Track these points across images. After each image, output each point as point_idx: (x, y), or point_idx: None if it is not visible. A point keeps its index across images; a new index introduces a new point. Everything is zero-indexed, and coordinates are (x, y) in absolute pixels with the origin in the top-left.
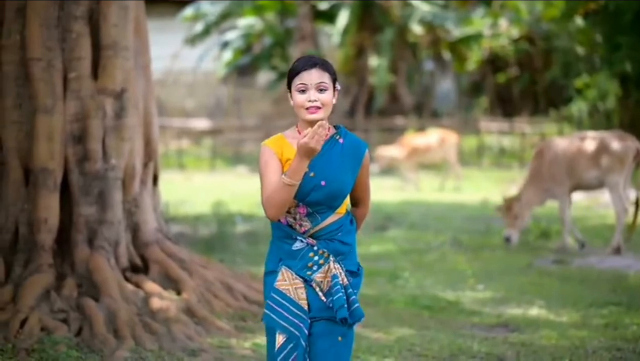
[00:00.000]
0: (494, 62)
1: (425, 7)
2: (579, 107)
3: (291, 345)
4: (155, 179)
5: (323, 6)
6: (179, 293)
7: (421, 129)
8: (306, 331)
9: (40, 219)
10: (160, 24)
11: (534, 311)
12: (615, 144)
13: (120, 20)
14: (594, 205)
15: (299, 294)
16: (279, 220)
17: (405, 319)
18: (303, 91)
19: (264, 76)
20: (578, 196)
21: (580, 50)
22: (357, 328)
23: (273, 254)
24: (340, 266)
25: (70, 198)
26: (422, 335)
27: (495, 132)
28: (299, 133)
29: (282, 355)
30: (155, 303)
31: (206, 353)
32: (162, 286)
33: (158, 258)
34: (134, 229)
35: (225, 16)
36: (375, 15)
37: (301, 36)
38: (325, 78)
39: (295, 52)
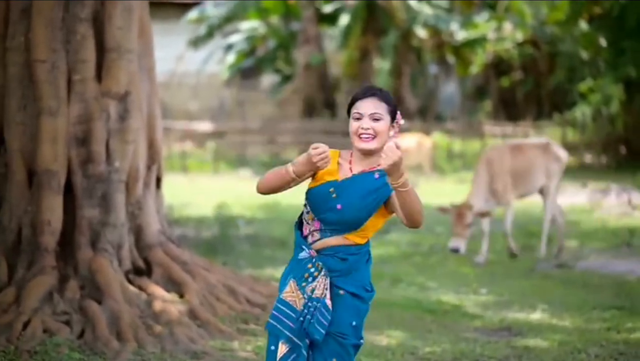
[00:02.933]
0: (498, 66)
1: (429, 11)
2: (582, 111)
3: (294, 355)
4: (158, 182)
5: (327, 9)
6: (181, 295)
7: (425, 132)
8: (308, 342)
9: (43, 221)
10: (165, 27)
11: (537, 315)
12: (561, 152)
13: (125, 23)
14: (596, 207)
15: (301, 305)
16: (301, 229)
17: (408, 322)
18: (358, 119)
19: (268, 79)
20: (579, 199)
21: (584, 54)
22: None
23: (291, 260)
24: (328, 282)
25: (73, 200)
26: (424, 338)
27: (499, 136)
28: (350, 155)
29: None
30: (158, 305)
31: (209, 356)
32: (165, 289)
33: (161, 260)
34: (137, 232)
35: (229, 19)
36: (380, 19)
37: (305, 39)
38: (381, 109)
39: (299, 55)
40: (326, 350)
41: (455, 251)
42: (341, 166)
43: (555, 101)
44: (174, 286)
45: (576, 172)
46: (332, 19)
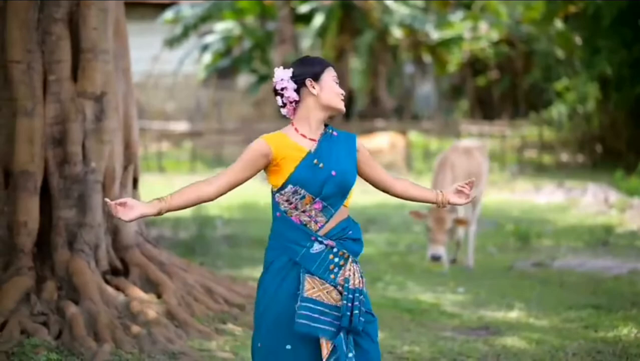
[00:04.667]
0: (474, 65)
1: (405, 10)
2: (558, 110)
3: (335, 355)
4: (135, 182)
5: (303, 9)
6: (159, 296)
7: (402, 132)
8: (345, 333)
9: (20, 222)
10: (141, 27)
11: (514, 314)
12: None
13: (100, 23)
14: (573, 206)
15: (334, 296)
16: (291, 219)
17: (386, 321)
18: (337, 84)
19: (244, 79)
20: (556, 198)
21: (560, 53)
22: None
23: (277, 251)
24: (358, 267)
25: (50, 200)
26: (402, 337)
27: (475, 135)
28: (296, 131)
29: None
30: (136, 306)
31: (186, 356)
32: (142, 289)
33: (138, 261)
34: (114, 232)
35: (204, 19)
36: (356, 18)
37: (281, 39)
38: None
39: (276, 55)
40: (372, 332)
41: (437, 259)
42: (297, 141)
43: (531, 100)
44: (152, 286)
45: (553, 171)
46: (308, 18)
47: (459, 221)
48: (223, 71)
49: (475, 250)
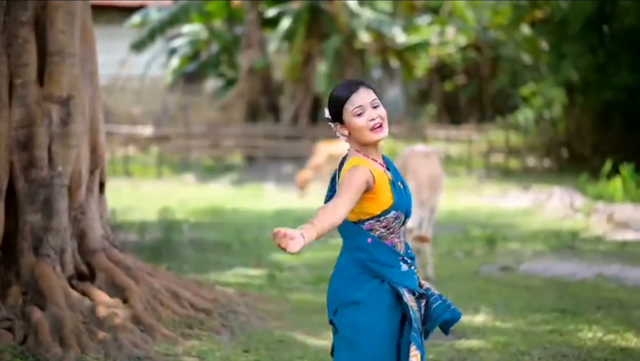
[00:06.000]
0: (442, 70)
1: (372, 15)
2: (525, 115)
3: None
4: (101, 187)
5: (271, 13)
6: (125, 300)
7: None
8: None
9: None
10: (108, 31)
11: (481, 318)
12: None
13: (67, 27)
14: (539, 210)
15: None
16: (385, 243)
17: None
18: (360, 115)
19: (212, 83)
20: (522, 202)
21: (526, 58)
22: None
23: (365, 278)
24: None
25: (15, 205)
26: None
27: (442, 140)
28: (367, 157)
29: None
30: (102, 311)
31: (152, 360)
32: (108, 294)
33: (104, 265)
34: (80, 237)
35: (171, 23)
36: (323, 23)
37: (248, 43)
38: (373, 95)
39: (243, 59)
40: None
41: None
42: (376, 167)
43: (498, 105)
44: (118, 291)
45: (519, 175)
46: (275, 22)
47: (421, 239)
48: (190, 75)
49: (442, 255)
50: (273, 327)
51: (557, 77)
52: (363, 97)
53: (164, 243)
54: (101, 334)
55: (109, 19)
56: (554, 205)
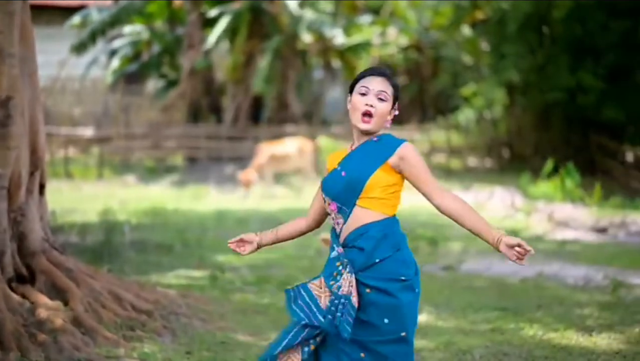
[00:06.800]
0: None
1: (313, 15)
2: (466, 115)
3: (298, 326)
4: (41, 188)
5: (212, 13)
6: (66, 303)
7: (311, 137)
8: (317, 331)
9: None
10: (48, 32)
11: (422, 317)
12: None
13: (6, 27)
14: (480, 209)
15: (326, 302)
16: (335, 231)
17: None
18: (363, 94)
19: (153, 84)
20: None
21: (467, 59)
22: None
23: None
24: (354, 279)
25: None
26: None
27: None
28: (351, 145)
29: (289, 333)
30: (42, 313)
31: None
32: (48, 297)
33: (44, 267)
34: (20, 239)
35: (112, 23)
36: (265, 23)
37: (190, 44)
38: (388, 90)
39: (185, 60)
40: (353, 355)
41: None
42: (345, 154)
43: (439, 105)
44: (58, 293)
45: (460, 175)
46: (217, 23)
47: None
48: (131, 76)
49: None
50: (215, 328)
51: (497, 77)
52: (375, 84)
53: (105, 244)
54: (41, 336)
55: (49, 20)
56: (495, 205)
